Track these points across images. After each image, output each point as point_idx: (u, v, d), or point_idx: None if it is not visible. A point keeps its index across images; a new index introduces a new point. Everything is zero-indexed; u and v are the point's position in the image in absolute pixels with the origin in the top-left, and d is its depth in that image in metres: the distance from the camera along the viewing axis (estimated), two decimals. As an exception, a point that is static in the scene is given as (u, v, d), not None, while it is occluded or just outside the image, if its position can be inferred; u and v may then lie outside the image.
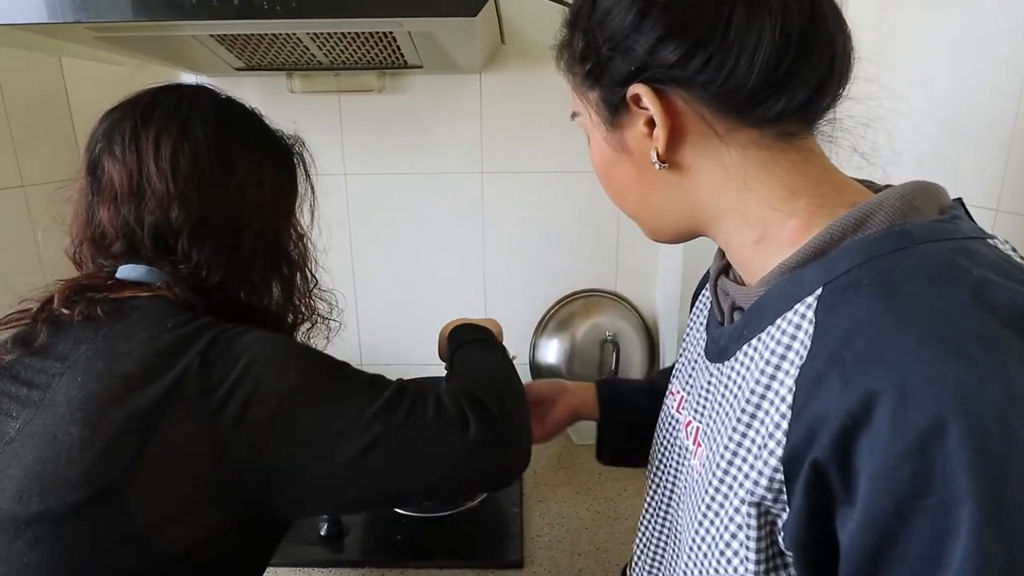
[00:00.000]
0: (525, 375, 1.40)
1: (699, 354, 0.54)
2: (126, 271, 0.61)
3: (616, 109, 0.44)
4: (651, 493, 0.60)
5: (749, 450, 0.39)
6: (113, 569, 0.50)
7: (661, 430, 0.60)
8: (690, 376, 0.55)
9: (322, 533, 0.99)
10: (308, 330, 0.73)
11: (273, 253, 0.66)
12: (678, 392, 0.57)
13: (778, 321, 0.39)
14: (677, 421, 0.56)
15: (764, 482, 0.37)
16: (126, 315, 0.56)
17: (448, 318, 1.49)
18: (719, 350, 0.47)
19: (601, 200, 1.50)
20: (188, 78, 1.25)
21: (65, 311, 0.56)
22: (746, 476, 0.39)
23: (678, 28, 0.39)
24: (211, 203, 0.59)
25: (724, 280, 0.50)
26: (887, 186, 0.44)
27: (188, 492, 0.51)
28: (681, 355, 0.60)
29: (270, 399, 0.52)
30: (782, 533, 0.38)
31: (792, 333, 0.38)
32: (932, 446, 0.29)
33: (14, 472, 0.50)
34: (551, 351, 1.38)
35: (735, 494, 0.40)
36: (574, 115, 0.49)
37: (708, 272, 0.55)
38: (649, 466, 0.61)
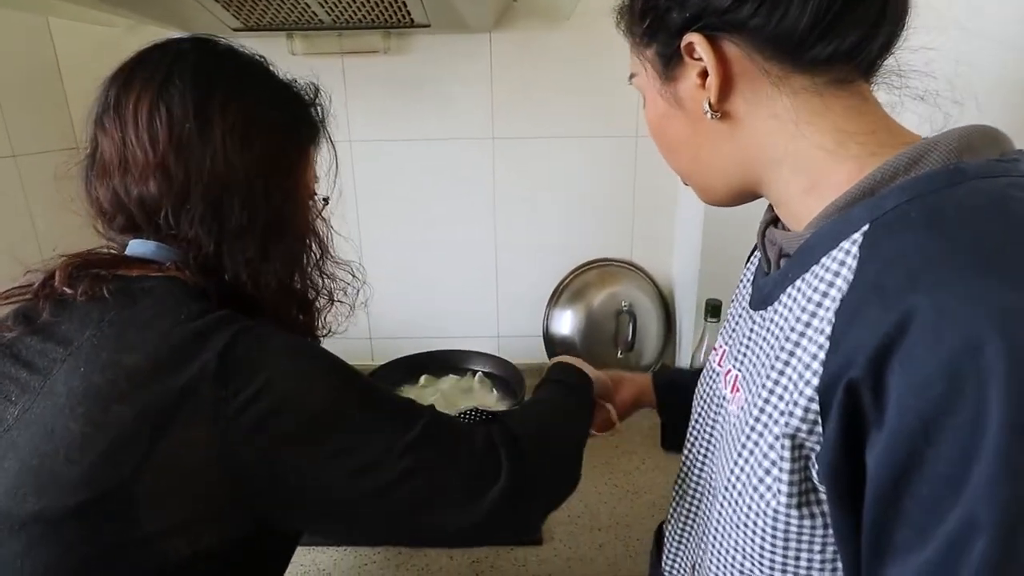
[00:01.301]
0: (539, 347, 1.38)
1: (744, 307, 0.53)
2: (135, 246, 0.57)
3: (670, 61, 0.44)
4: (688, 447, 0.59)
5: (785, 387, 0.39)
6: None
7: (701, 386, 0.59)
8: (733, 330, 0.55)
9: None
10: (325, 306, 0.67)
11: (270, 221, 0.57)
12: (721, 347, 0.57)
13: (823, 259, 0.39)
14: (717, 373, 0.55)
15: (799, 413, 0.38)
16: (136, 299, 0.51)
17: (459, 289, 1.46)
18: (763, 297, 0.47)
19: (617, 166, 1.45)
20: (183, 40, 1.19)
21: (67, 290, 0.51)
22: (781, 412, 0.39)
23: None
24: (190, 170, 0.53)
25: (772, 230, 0.49)
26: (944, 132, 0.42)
27: (195, 501, 0.47)
28: (729, 314, 0.59)
29: (293, 418, 0.48)
30: (816, 467, 0.38)
31: (836, 270, 0.37)
32: (965, 365, 0.29)
33: (10, 465, 0.46)
34: (565, 322, 1.34)
35: (770, 431, 0.40)
36: (632, 77, 0.50)
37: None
38: (690, 423, 0.60)
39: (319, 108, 0.65)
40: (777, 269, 0.47)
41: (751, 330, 0.49)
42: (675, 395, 0.78)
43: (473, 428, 0.56)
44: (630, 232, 1.35)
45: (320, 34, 1.18)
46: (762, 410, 0.41)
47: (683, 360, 1.33)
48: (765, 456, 0.40)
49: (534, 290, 1.37)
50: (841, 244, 0.38)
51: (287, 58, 1.21)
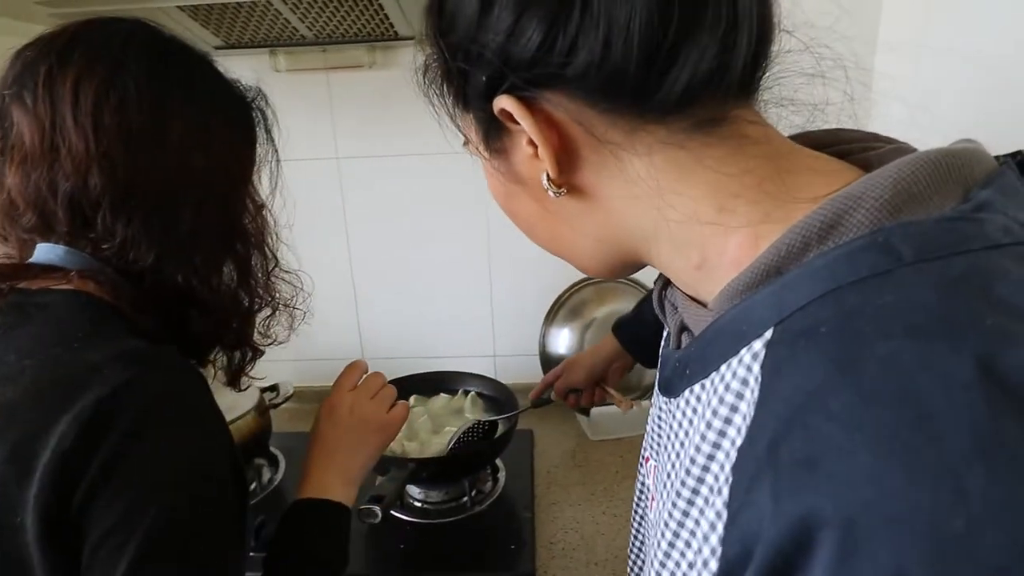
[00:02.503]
0: (535, 367, 1.33)
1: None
2: (43, 252, 0.50)
3: (491, 131, 0.35)
4: (632, 524, 0.52)
5: (688, 543, 0.31)
6: None
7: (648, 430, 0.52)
8: (656, 395, 0.47)
9: (320, 544, 0.93)
10: (268, 318, 0.62)
11: (222, 228, 0.54)
12: (653, 404, 0.49)
13: (723, 368, 0.30)
14: (646, 445, 0.48)
15: None
16: (28, 317, 0.46)
17: (452, 306, 1.42)
18: (664, 381, 0.39)
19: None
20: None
21: None
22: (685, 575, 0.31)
23: (530, 7, 0.30)
24: (140, 166, 0.48)
25: (673, 290, 0.39)
26: (893, 150, 0.32)
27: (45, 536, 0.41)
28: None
29: (123, 508, 0.42)
30: None
31: (737, 390, 0.28)
32: None
33: None
34: (562, 341, 1.30)
35: None
36: (465, 143, 0.40)
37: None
38: (636, 483, 0.53)
39: (262, 111, 0.60)
40: (677, 344, 0.39)
41: (658, 415, 0.41)
42: (648, 349, 0.79)
43: None
44: (628, 246, 1.30)
45: (304, 50, 1.15)
46: (667, 555, 0.33)
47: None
48: None
49: (530, 307, 1.33)
50: (741, 353, 0.29)
51: (272, 75, 1.19)
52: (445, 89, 0.37)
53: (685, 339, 0.38)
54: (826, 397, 0.23)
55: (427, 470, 0.96)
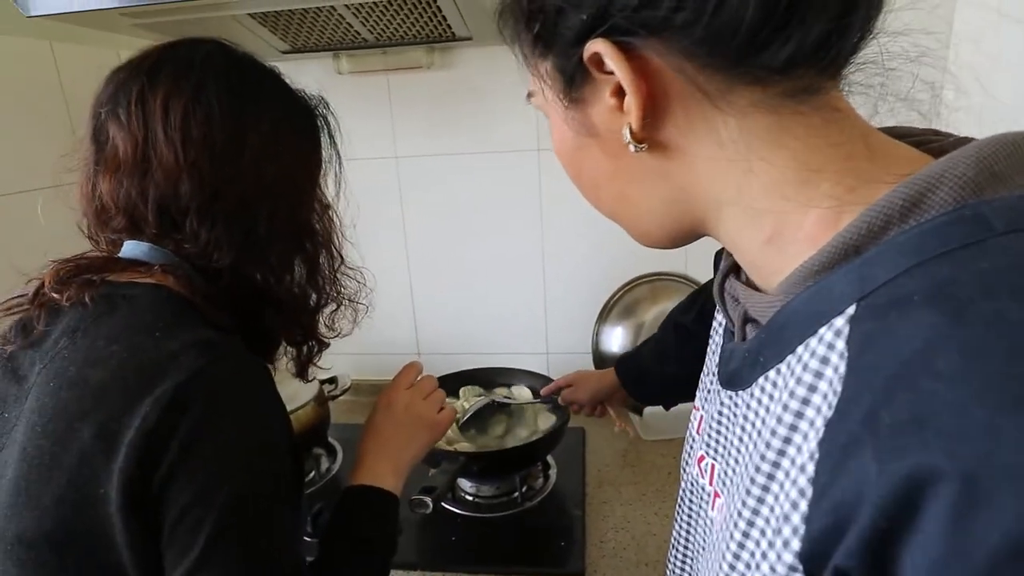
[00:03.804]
0: (588, 365, 1.33)
1: (716, 365, 0.44)
2: (129, 248, 0.55)
3: (573, 79, 0.33)
4: (675, 528, 0.51)
5: (763, 532, 0.31)
6: None
7: (684, 452, 0.50)
8: (708, 393, 0.46)
9: (375, 532, 0.96)
10: (333, 312, 0.66)
11: (293, 230, 0.59)
12: (699, 408, 0.48)
13: (799, 350, 0.30)
14: (693, 447, 0.47)
15: None
16: (116, 306, 0.50)
17: (505, 303, 1.43)
18: (730, 374, 0.38)
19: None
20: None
21: (55, 295, 0.50)
22: (758, 566, 0.30)
23: None
24: (223, 176, 0.52)
25: (733, 283, 0.38)
26: (958, 140, 0.31)
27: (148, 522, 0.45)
28: (708, 355, 0.49)
29: (199, 484, 0.45)
30: None
31: (817, 369, 0.28)
32: (1013, 572, 0.19)
33: (4, 484, 0.46)
34: (615, 339, 1.29)
35: None
36: (529, 96, 0.39)
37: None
38: (678, 488, 0.52)
39: (326, 118, 0.64)
40: (743, 337, 0.38)
41: (719, 411, 0.40)
42: (646, 387, 0.92)
43: None
44: (685, 245, 1.28)
45: (365, 52, 1.18)
46: (741, 545, 0.32)
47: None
48: None
49: (583, 306, 1.32)
50: (820, 332, 0.28)
51: (335, 77, 1.23)
52: (524, 31, 0.35)
53: (750, 330, 0.37)
54: (930, 358, 0.23)
55: (478, 464, 0.98)
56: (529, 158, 1.25)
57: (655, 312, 1.26)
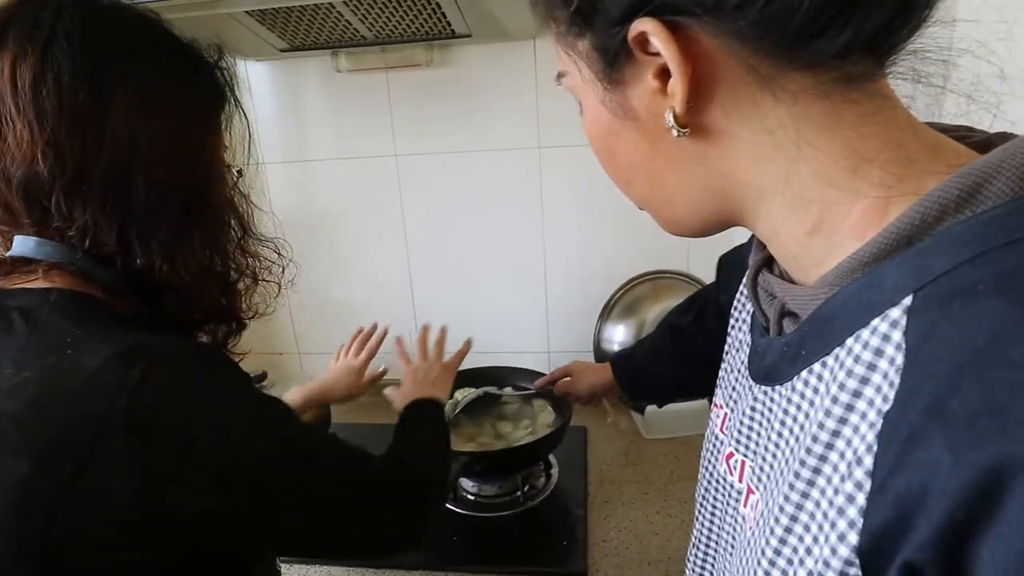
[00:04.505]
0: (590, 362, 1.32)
1: (743, 363, 0.43)
2: (17, 245, 0.48)
3: (615, 59, 0.32)
4: (697, 526, 0.51)
5: (808, 527, 0.30)
6: None
7: (705, 451, 0.50)
8: (733, 390, 0.45)
9: (376, 532, 0.95)
10: (249, 287, 0.60)
11: (184, 202, 0.51)
12: (722, 406, 0.47)
13: (849, 342, 0.29)
14: (718, 446, 0.46)
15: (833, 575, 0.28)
16: (11, 324, 0.45)
17: (507, 302, 1.43)
18: (766, 370, 0.37)
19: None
20: (236, 64, 1.22)
21: None
22: (802, 561, 0.30)
23: None
24: (88, 146, 0.46)
25: (768, 277, 0.38)
26: (999, 135, 0.31)
27: (121, 536, 0.43)
28: (725, 353, 0.49)
29: (218, 469, 0.45)
30: None
31: (870, 361, 0.27)
32: None
33: None
34: (617, 337, 1.28)
35: (795, 575, 0.30)
36: (560, 76, 0.38)
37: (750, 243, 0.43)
38: (697, 488, 0.52)
39: (224, 71, 0.56)
40: (779, 332, 0.37)
41: (752, 407, 0.39)
42: (640, 386, 0.95)
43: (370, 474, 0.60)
44: (686, 241, 1.27)
45: (364, 50, 1.18)
46: (783, 540, 0.31)
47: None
48: None
49: (584, 304, 1.32)
50: (873, 323, 0.28)
51: (334, 76, 1.22)
52: (560, 7, 0.33)
53: (787, 324, 0.37)
54: (1004, 347, 0.23)
55: (480, 464, 0.97)
56: (530, 156, 1.25)
57: (657, 310, 1.25)
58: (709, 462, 0.48)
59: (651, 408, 1.21)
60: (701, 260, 1.28)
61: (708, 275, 1.27)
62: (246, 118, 0.58)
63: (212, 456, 0.45)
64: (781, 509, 0.32)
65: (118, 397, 0.41)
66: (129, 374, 0.42)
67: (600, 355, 1.31)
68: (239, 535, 0.50)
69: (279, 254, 0.62)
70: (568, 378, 1.03)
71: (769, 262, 0.39)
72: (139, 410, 0.41)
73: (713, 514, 0.48)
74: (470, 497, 1.05)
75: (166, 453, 0.42)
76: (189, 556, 0.47)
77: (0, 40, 0.45)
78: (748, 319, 0.45)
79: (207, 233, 0.54)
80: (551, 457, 1.12)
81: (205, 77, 0.54)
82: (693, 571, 0.51)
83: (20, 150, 0.45)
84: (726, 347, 0.49)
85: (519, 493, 1.03)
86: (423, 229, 1.34)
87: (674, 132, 0.31)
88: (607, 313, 1.30)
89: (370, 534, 0.59)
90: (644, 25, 0.29)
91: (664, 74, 0.30)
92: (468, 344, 1.00)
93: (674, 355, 0.86)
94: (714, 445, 0.47)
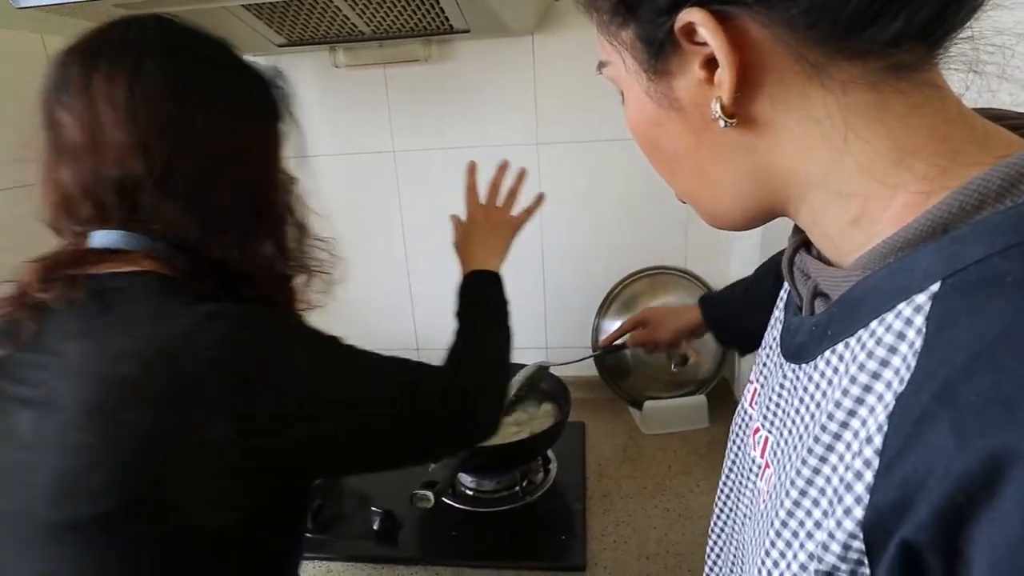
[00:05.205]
0: (589, 362, 1.32)
1: (775, 339, 0.44)
2: (99, 238, 0.54)
3: (660, 49, 0.31)
4: (720, 498, 0.52)
5: (816, 501, 0.31)
6: (169, 560, 0.49)
7: (735, 425, 0.51)
8: (764, 367, 0.45)
9: (375, 528, 0.96)
10: (305, 283, 0.67)
11: (254, 203, 0.59)
12: (753, 384, 0.48)
13: (873, 324, 0.29)
14: (749, 419, 0.47)
15: (836, 548, 0.28)
16: (111, 303, 0.51)
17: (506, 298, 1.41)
18: (795, 347, 0.37)
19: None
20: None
21: (42, 295, 0.50)
22: (810, 534, 0.30)
23: None
24: (174, 151, 0.52)
25: (804, 257, 0.38)
26: None
27: (228, 482, 0.50)
28: (765, 339, 0.49)
29: (308, 405, 0.52)
30: None
31: (892, 344, 0.27)
32: None
33: (38, 479, 0.48)
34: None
35: (801, 547, 0.31)
36: (601, 66, 0.38)
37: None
38: (724, 462, 0.52)
39: (281, 88, 0.63)
40: (811, 311, 0.37)
41: (780, 384, 0.40)
42: (730, 330, 0.93)
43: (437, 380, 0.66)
44: (684, 238, 1.27)
45: (362, 45, 1.17)
46: (791, 513, 0.32)
47: (742, 376, 1.25)
48: None
49: (582, 300, 1.32)
50: (899, 307, 0.28)
51: (331, 71, 1.22)
52: None
53: (819, 305, 0.37)
54: (1020, 338, 0.23)
55: (479, 459, 0.97)
56: (528, 152, 1.25)
57: (655, 305, 1.26)
58: (737, 435, 0.49)
59: (649, 403, 1.21)
60: (699, 256, 1.28)
61: (706, 271, 1.28)
62: (300, 130, 0.65)
63: (298, 391, 0.52)
64: (792, 483, 0.32)
65: (209, 351, 0.48)
66: (217, 331, 0.49)
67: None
68: (329, 461, 0.58)
69: (332, 255, 0.69)
70: (640, 329, 1.03)
71: (807, 242, 0.39)
72: (228, 358, 0.48)
73: (733, 487, 0.48)
74: (469, 492, 1.05)
75: (258, 395, 0.49)
76: (269, 520, 0.55)
77: (95, 59, 0.52)
78: (786, 297, 0.45)
79: (271, 230, 0.61)
80: (549, 452, 1.12)
81: (267, 93, 0.61)
82: (715, 545, 0.52)
83: (115, 152, 0.52)
84: (768, 333, 0.49)
85: (518, 488, 1.03)
86: (420, 224, 1.33)
87: (720, 123, 0.31)
88: (605, 309, 1.30)
89: (446, 435, 0.65)
90: (692, 15, 0.29)
91: (711, 64, 0.30)
92: (539, 200, 0.94)
93: (773, 302, 0.83)
94: (743, 419, 0.48)
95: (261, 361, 0.50)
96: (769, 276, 0.87)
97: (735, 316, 0.92)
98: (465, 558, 0.92)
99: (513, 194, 0.92)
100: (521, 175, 0.93)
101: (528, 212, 0.93)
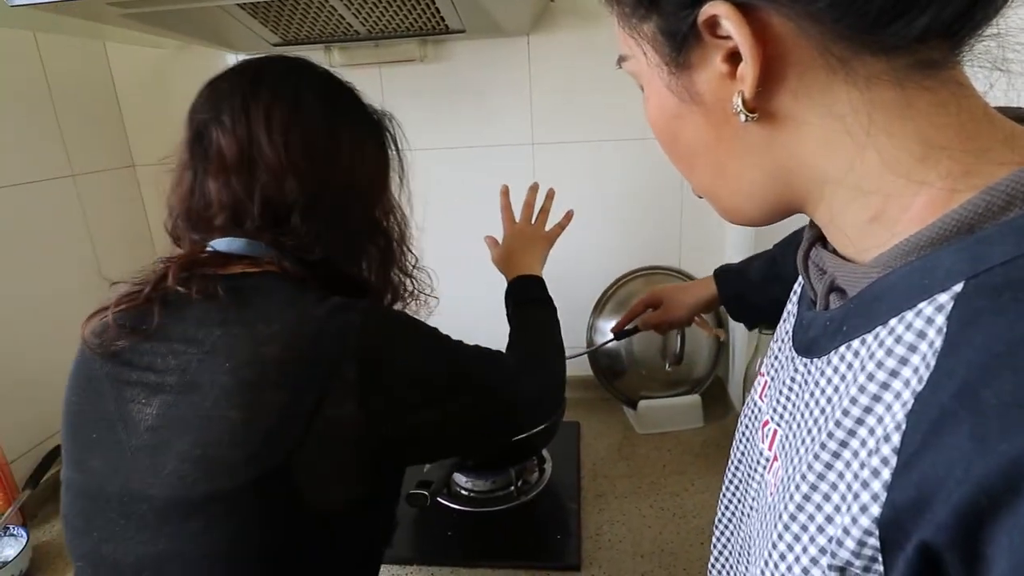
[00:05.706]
0: (582, 359, 1.33)
1: (787, 333, 0.43)
2: (223, 244, 0.59)
3: (683, 42, 0.31)
4: (726, 492, 0.52)
5: (828, 496, 0.30)
6: (280, 536, 0.52)
7: (744, 418, 0.50)
8: (775, 360, 0.45)
9: (370, 527, 0.95)
10: (405, 307, 0.74)
11: (373, 228, 0.67)
12: (763, 377, 0.47)
13: (892, 322, 0.29)
14: (758, 411, 0.47)
15: (851, 544, 0.28)
16: (248, 297, 0.56)
17: (499, 299, 1.42)
18: (808, 342, 0.37)
19: (662, 169, 1.37)
20: (230, 58, 1.21)
21: (181, 289, 0.55)
22: (820, 528, 0.30)
23: None
24: (322, 177, 0.59)
25: (820, 252, 0.38)
26: None
27: (347, 462, 0.53)
28: (777, 332, 0.49)
29: (428, 389, 0.58)
30: None
31: (912, 343, 0.27)
32: None
33: (169, 459, 0.51)
34: (609, 333, 1.29)
35: (811, 541, 0.31)
36: (621, 60, 0.37)
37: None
38: (731, 454, 0.52)
39: (392, 124, 0.72)
40: (825, 306, 0.37)
41: (792, 378, 0.39)
42: (744, 305, 0.91)
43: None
44: (678, 238, 1.28)
45: (357, 45, 1.17)
46: (800, 507, 0.32)
47: (736, 375, 1.25)
48: (805, 574, 0.32)
49: (577, 300, 1.32)
50: (920, 306, 0.27)
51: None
52: None
53: (834, 300, 0.36)
54: None
55: (473, 459, 0.97)
56: (523, 152, 1.25)
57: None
58: (747, 427, 0.48)
59: (644, 403, 1.21)
60: (693, 256, 1.29)
61: (700, 271, 1.28)
62: (403, 167, 0.73)
63: (418, 374, 0.58)
64: (803, 477, 0.32)
65: (344, 337, 0.53)
66: (349, 320, 0.54)
67: (593, 352, 1.31)
68: (432, 445, 0.62)
69: (429, 281, 0.78)
70: (652, 310, 1.02)
71: (822, 237, 0.39)
72: (361, 345, 0.53)
73: (739, 480, 0.48)
74: (464, 492, 1.05)
75: (384, 378, 0.54)
76: (373, 502, 0.59)
77: (257, 85, 0.59)
78: (799, 291, 0.45)
79: (385, 253, 0.69)
80: (544, 452, 1.12)
81: (383, 131, 0.70)
82: (721, 537, 0.52)
83: (269, 171, 0.58)
84: (780, 326, 0.49)
85: (513, 488, 1.03)
86: (415, 224, 1.33)
87: (742, 117, 0.31)
88: (600, 308, 1.30)
89: (521, 421, 0.71)
90: (716, 8, 0.28)
91: (733, 58, 0.30)
92: (569, 217, 1.00)
93: (795, 275, 0.80)
94: (752, 412, 0.48)
95: (389, 348, 0.56)
96: (788, 247, 0.84)
97: (753, 290, 0.89)
98: (460, 558, 0.92)
99: (545, 211, 0.99)
100: (550, 195, 0.99)
101: (561, 227, 0.99)
